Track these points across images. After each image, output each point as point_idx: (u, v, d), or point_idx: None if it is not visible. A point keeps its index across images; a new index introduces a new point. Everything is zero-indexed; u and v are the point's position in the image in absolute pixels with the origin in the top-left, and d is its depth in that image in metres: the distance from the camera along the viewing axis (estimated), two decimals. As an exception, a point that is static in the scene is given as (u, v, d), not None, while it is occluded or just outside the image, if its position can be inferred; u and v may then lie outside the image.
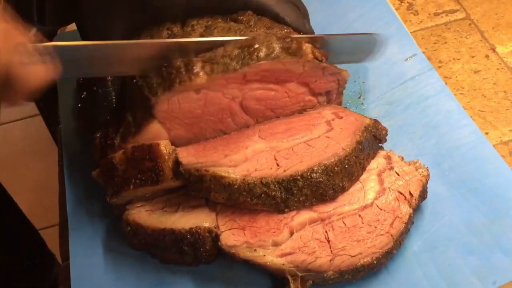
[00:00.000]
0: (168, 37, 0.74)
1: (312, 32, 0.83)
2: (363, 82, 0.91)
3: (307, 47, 0.74)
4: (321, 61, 0.75)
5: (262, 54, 0.69)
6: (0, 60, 0.52)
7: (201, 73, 0.67)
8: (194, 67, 0.67)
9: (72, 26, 1.00)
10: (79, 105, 0.85)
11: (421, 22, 1.27)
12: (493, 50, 1.22)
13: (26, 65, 0.54)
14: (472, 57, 1.18)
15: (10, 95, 0.56)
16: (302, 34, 0.79)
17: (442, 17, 1.31)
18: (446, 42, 1.24)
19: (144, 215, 0.72)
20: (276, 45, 0.70)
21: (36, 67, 0.55)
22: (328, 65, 0.76)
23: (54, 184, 0.87)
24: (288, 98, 0.77)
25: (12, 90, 0.55)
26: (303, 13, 0.84)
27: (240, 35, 0.72)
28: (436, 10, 1.31)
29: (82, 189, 0.82)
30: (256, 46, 0.69)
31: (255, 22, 0.76)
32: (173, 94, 0.69)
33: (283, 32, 0.76)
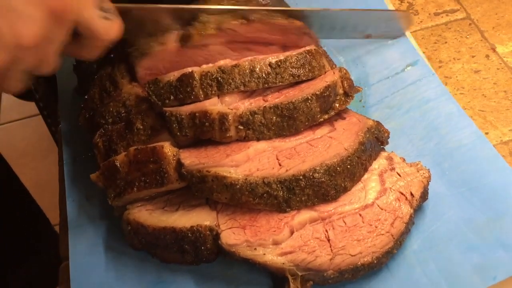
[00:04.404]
0: None
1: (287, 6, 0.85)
2: (364, 87, 0.91)
3: (339, 86, 0.77)
4: (350, 95, 0.77)
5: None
6: (83, 14, 0.57)
7: None
8: None
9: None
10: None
11: (421, 22, 1.27)
12: (494, 50, 1.22)
13: (106, 19, 0.61)
14: (472, 57, 1.18)
15: (90, 47, 0.62)
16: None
17: (442, 17, 1.30)
18: (446, 42, 1.24)
19: (145, 214, 0.72)
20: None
21: (113, 22, 0.62)
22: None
23: (54, 184, 0.87)
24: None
25: (91, 42, 0.61)
26: None
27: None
28: (436, 10, 1.31)
29: (82, 189, 0.82)
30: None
31: None
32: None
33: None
